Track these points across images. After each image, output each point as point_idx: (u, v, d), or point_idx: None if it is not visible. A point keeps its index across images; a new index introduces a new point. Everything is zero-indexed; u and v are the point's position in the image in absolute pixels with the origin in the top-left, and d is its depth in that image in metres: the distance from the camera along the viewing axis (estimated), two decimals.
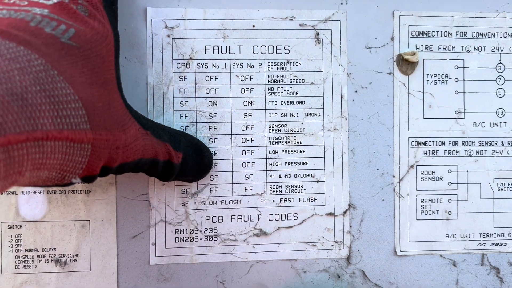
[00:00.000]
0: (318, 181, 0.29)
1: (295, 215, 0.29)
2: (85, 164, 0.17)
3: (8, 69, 0.14)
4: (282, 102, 0.29)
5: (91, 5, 0.21)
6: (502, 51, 0.30)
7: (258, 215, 0.28)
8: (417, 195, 0.29)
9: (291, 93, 0.29)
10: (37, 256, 0.27)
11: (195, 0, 0.28)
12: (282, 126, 0.29)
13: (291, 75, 0.29)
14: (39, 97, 0.14)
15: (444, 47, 0.29)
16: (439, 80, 0.29)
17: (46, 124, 0.14)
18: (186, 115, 0.28)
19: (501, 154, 0.30)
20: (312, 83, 0.29)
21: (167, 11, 0.28)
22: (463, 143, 0.30)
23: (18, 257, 0.27)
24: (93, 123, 0.17)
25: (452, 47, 0.30)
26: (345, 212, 0.29)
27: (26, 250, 0.27)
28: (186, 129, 0.28)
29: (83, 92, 0.17)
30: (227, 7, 0.28)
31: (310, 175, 0.29)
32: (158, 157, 0.23)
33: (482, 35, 0.30)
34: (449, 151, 0.29)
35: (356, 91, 0.29)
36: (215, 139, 0.28)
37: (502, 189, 0.30)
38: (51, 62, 0.16)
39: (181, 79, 0.28)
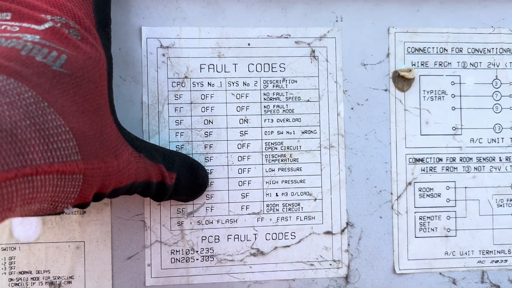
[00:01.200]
0: (315, 199, 0.29)
1: (293, 234, 0.28)
2: (77, 194, 0.17)
3: None
4: (278, 120, 0.28)
5: (83, 28, 0.20)
6: (498, 66, 0.30)
7: (255, 234, 0.28)
8: (415, 212, 0.29)
9: (287, 111, 0.29)
10: (31, 278, 0.27)
11: (190, 19, 0.28)
12: (279, 144, 0.28)
13: (287, 92, 0.29)
14: (28, 131, 0.14)
15: (440, 63, 0.29)
16: (435, 96, 0.29)
17: (36, 158, 0.14)
18: (181, 133, 0.28)
19: (499, 170, 0.29)
20: (308, 101, 0.29)
21: (162, 30, 0.28)
22: (460, 160, 0.29)
23: (11, 279, 0.27)
24: (84, 153, 0.17)
25: (448, 63, 0.29)
26: (343, 231, 0.29)
27: (20, 273, 0.27)
28: (181, 148, 0.28)
29: (74, 122, 0.16)
30: (222, 26, 0.28)
31: (307, 193, 0.29)
32: (151, 179, 0.23)
33: (478, 51, 0.30)
34: (447, 168, 0.29)
35: (352, 108, 0.29)
36: (211, 158, 0.28)
37: (501, 205, 0.29)
38: (41, 93, 0.15)
39: (176, 98, 0.28)
